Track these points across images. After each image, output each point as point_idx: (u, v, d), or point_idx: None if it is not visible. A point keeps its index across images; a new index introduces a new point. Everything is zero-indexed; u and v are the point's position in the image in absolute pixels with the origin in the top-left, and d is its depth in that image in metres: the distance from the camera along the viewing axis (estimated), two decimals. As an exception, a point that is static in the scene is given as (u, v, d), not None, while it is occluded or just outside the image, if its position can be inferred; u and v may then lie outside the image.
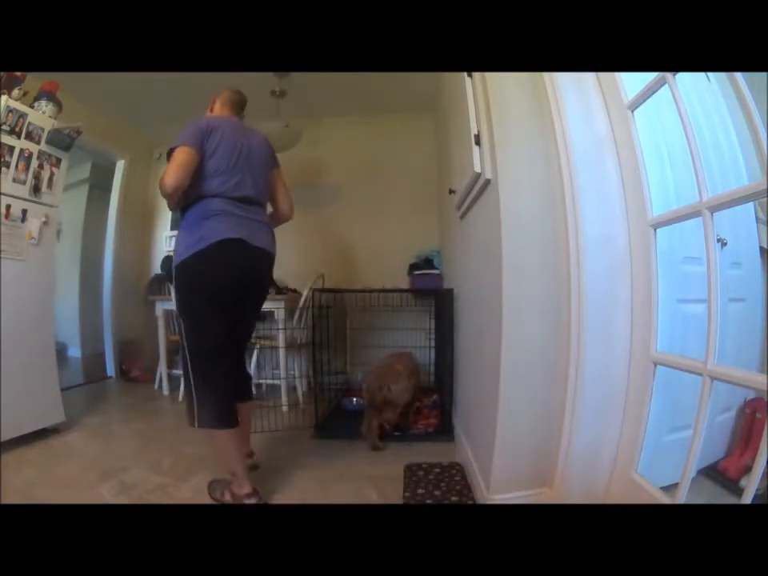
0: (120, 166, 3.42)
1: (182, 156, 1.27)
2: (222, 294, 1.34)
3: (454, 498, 1.40)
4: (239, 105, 1.61)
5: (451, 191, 1.86)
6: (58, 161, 1.98)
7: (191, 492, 1.48)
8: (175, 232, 3.72)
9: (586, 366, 1.14)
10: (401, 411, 2.04)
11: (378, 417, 1.99)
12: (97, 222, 3.72)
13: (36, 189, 1.88)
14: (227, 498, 1.37)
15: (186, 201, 1.36)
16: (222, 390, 1.34)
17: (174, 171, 1.25)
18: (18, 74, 1.83)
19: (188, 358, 1.35)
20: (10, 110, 1.73)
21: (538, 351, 1.20)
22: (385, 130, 3.33)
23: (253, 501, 1.32)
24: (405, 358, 2.33)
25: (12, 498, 1.34)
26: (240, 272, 1.36)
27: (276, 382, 2.62)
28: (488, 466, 1.28)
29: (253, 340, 2.59)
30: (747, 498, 0.78)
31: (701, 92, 1.20)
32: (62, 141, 1.96)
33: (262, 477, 1.59)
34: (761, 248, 1.31)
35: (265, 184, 1.50)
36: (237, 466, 1.35)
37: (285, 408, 2.42)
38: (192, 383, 1.33)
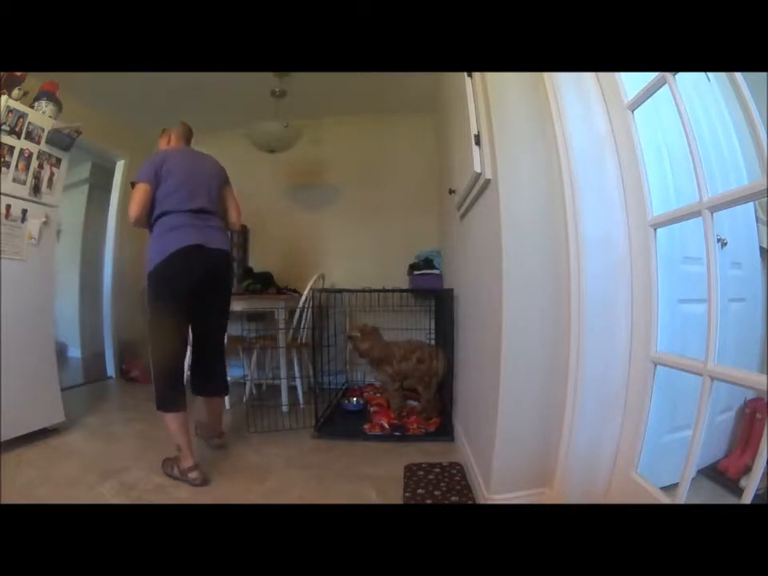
0: (120, 166, 3.41)
1: (139, 193, 1.56)
2: (186, 295, 1.59)
3: (453, 498, 1.40)
4: (188, 136, 1.91)
5: (451, 191, 1.86)
6: (58, 161, 1.98)
7: (191, 492, 1.48)
8: (175, 232, 3.75)
9: (586, 366, 1.14)
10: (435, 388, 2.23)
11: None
12: (97, 222, 3.71)
13: (36, 189, 1.88)
14: (176, 473, 1.57)
15: (150, 220, 1.62)
16: (170, 380, 1.60)
17: (134, 206, 1.56)
18: (18, 73, 1.83)
19: (151, 352, 1.61)
20: (9, 110, 1.73)
21: (537, 351, 1.20)
22: (385, 130, 3.33)
23: (194, 474, 1.53)
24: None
25: (12, 497, 1.34)
26: (202, 272, 1.60)
27: (276, 381, 2.62)
28: (488, 465, 1.28)
29: (253, 340, 2.60)
30: (747, 498, 0.78)
31: (701, 92, 1.20)
32: (62, 141, 1.96)
33: (261, 476, 1.59)
34: (761, 248, 1.31)
35: (217, 197, 1.75)
36: (181, 441, 1.56)
37: (285, 408, 2.42)
38: (152, 374, 1.62)
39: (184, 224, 1.59)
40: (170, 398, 1.58)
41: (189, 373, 1.85)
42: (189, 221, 1.61)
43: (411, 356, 2.25)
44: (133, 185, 1.59)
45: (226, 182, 1.86)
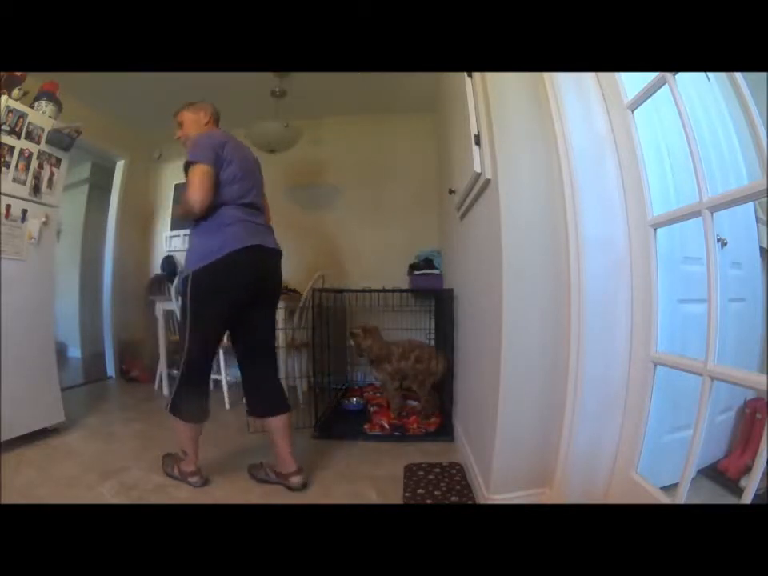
0: (120, 166, 3.41)
1: (204, 176, 1.34)
2: (240, 300, 1.44)
3: (453, 498, 1.40)
4: (218, 119, 1.66)
5: (451, 191, 1.86)
6: (58, 161, 1.98)
7: (191, 492, 1.47)
8: (175, 232, 3.76)
9: (586, 365, 1.14)
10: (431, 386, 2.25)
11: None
12: (97, 222, 3.71)
13: (36, 189, 1.88)
14: (176, 473, 1.53)
15: None
16: (201, 389, 1.49)
17: (199, 191, 1.32)
18: (18, 73, 1.83)
19: (185, 356, 1.44)
20: (10, 110, 1.73)
21: (537, 351, 1.20)
22: (385, 130, 3.33)
23: (195, 479, 1.49)
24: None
25: (12, 497, 1.34)
26: (262, 276, 1.47)
27: (276, 382, 2.61)
28: (488, 465, 1.28)
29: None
30: (747, 498, 0.78)
31: (701, 92, 1.20)
32: (62, 141, 1.96)
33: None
34: (761, 248, 1.31)
35: (262, 192, 1.60)
36: (189, 449, 1.49)
37: (285, 408, 2.41)
38: (179, 378, 1.46)
39: (242, 219, 1.43)
40: (194, 408, 1.45)
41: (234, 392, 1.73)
42: (246, 216, 1.45)
43: (410, 355, 2.25)
44: (189, 165, 1.36)
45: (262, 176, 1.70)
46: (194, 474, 1.51)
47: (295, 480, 1.48)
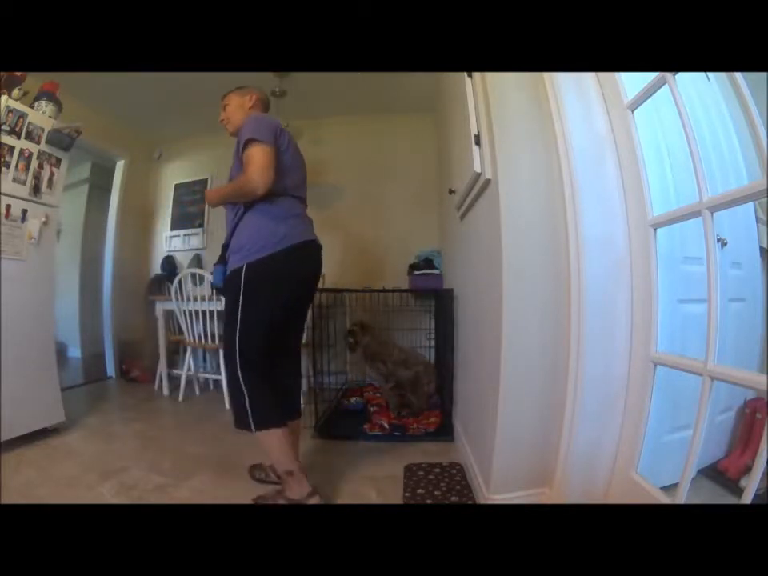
0: (120, 166, 3.42)
1: (265, 155, 1.23)
2: (296, 293, 1.37)
3: (453, 498, 1.40)
4: (267, 106, 1.58)
5: (451, 191, 1.86)
6: (58, 161, 1.98)
7: (191, 492, 1.47)
8: (175, 232, 3.76)
9: (586, 365, 1.14)
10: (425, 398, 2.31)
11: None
12: (97, 222, 3.72)
13: (36, 189, 1.88)
14: (284, 501, 1.32)
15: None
16: (275, 389, 1.33)
17: (264, 171, 1.21)
18: (18, 73, 1.83)
19: (238, 360, 1.28)
20: (10, 110, 1.73)
21: (537, 351, 1.20)
22: (385, 130, 3.33)
23: (315, 500, 1.28)
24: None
25: (12, 497, 1.34)
26: (314, 273, 1.44)
27: (276, 382, 2.61)
28: (488, 465, 1.28)
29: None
30: (747, 498, 0.78)
31: (701, 92, 1.20)
32: (62, 141, 1.96)
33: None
34: (761, 248, 1.32)
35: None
36: (292, 465, 1.29)
37: (285, 408, 2.41)
38: (244, 386, 1.27)
39: (301, 214, 1.37)
40: (272, 412, 1.29)
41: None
42: (302, 211, 1.39)
43: (411, 367, 2.33)
44: (248, 144, 1.24)
45: None
46: (312, 494, 1.29)
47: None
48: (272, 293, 1.29)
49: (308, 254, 1.36)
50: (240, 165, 1.29)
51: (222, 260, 1.39)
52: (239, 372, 1.28)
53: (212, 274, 1.46)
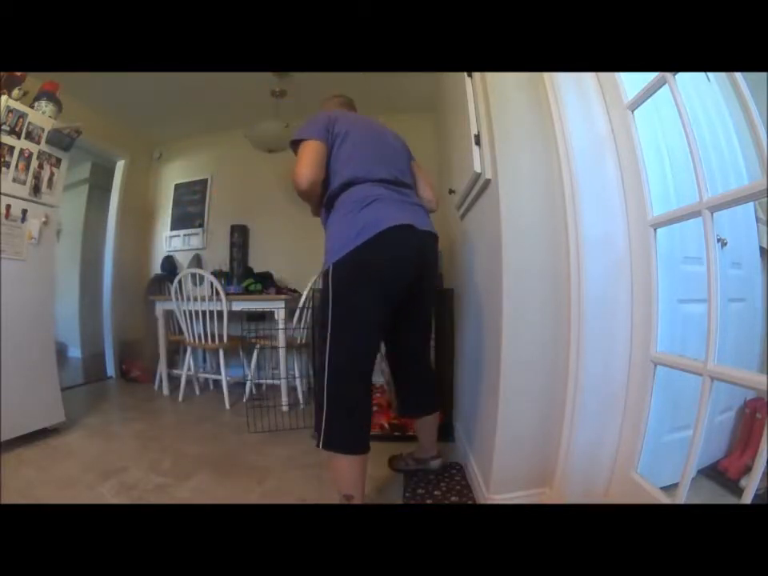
0: (120, 166, 3.42)
1: (311, 150, 1.21)
2: (393, 291, 1.21)
3: (453, 498, 1.40)
4: (350, 105, 1.55)
5: (451, 191, 1.86)
6: (58, 161, 1.98)
7: (191, 492, 1.47)
8: (175, 232, 3.76)
9: (586, 365, 1.14)
10: None
11: None
12: (97, 222, 3.72)
13: (36, 189, 1.88)
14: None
15: (325, 195, 1.28)
16: (358, 411, 1.18)
17: (305, 166, 1.19)
18: (18, 73, 1.83)
19: (326, 370, 1.18)
20: (10, 110, 1.73)
21: (538, 351, 1.20)
22: (385, 130, 3.32)
23: None
24: None
25: (12, 498, 1.34)
26: (417, 261, 1.24)
27: (276, 381, 2.62)
28: (488, 465, 1.28)
29: (253, 340, 2.60)
30: (747, 498, 0.78)
31: (701, 92, 1.20)
32: (62, 141, 1.96)
33: (261, 476, 1.59)
34: (761, 248, 1.31)
35: (407, 169, 1.39)
36: (355, 488, 1.17)
37: (285, 408, 2.42)
38: (325, 399, 1.17)
39: (383, 197, 1.22)
40: (356, 435, 1.17)
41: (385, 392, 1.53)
42: (388, 193, 1.23)
43: None
44: (295, 144, 1.24)
45: (412, 158, 1.47)
46: None
47: (435, 463, 1.54)
48: (362, 292, 1.16)
49: (398, 240, 1.17)
50: None
51: None
52: (325, 387, 1.18)
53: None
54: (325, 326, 1.20)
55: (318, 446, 1.18)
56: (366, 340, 1.20)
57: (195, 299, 2.61)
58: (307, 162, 1.20)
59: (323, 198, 1.30)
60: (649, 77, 1.00)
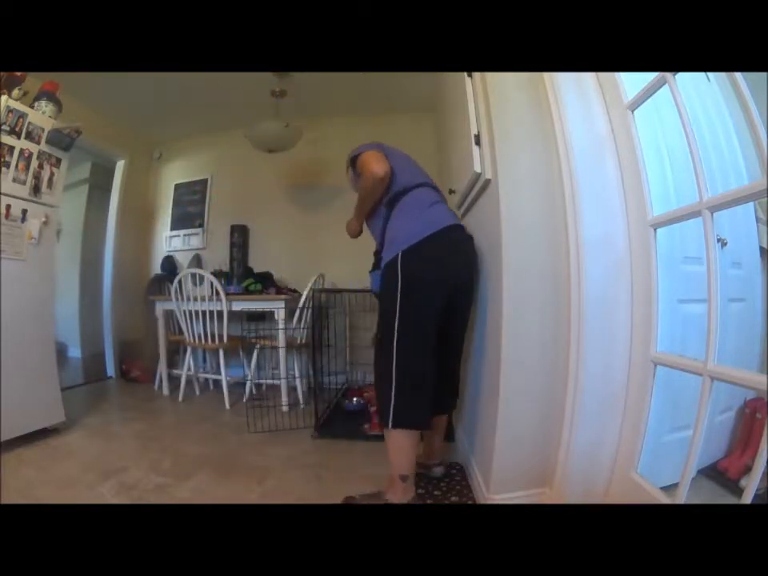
0: (120, 166, 3.42)
1: (375, 153, 1.35)
2: (452, 284, 1.31)
3: (453, 498, 1.40)
4: None
5: (451, 191, 1.86)
6: (58, 161, 1.98)
7: (191, 492, 1.47)
8: (175, 232, 3.77)
9: (586, 365, 1.14)
10: None
11: None
12: (97, 222, 3.72)
13: (36, 189, 1.88)
14: (385, 502, 1.29)
15: (387, 196, 1.38)
16: (425, 390, 1.27)
17: (377, 161, 1.32)
18: (18, 73, 1.83)
19: (395, 353, 1.25)
20: (10, 110, 1.73)
21: (538, 351, 1.20)
22: (385, 130, 3.31)
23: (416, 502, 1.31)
24: None
25: (12, 498, 1.34)
26: (468, 260, 1.39)
27: (276, 381, 2.62)
28: (488, 465, 1.28)
29: (253, 340, 2.60)
30: (747, 498, 0.78)
31: (701, 92, 1.20)
32: (62, 141, 1.96)
33: (261, 476, 1.59)
34: (761, 248, 1.31)
35: None
36: (411, 469, 1.28)
37: (285, 408, 2.42)
38: (394, 381, 1.25)
39: (440, 201, 1.39)
40: (414, 413, 1.25)
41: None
42: (441, 198, 1.41)
43: None
44: (355, 159, 1.39)
45: None
46: (415, 498, 1.31)
47: (438, 469, 1.55)
48: (429, 280, 1.27)
49: (458, 237, 1.35)
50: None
51: (377, 266, 1.41)
52: (393, 369, 1.25)
53: (370, 281, 1.47)
54: (394, 309, 1.26)
55: (387, 426, 1.24)
56: (432, 317, 1.28)
57: (195, 299, 2.61)
58: (378, 158, 1.33)
59: (382, 198, 1.40)
60: (649, 77, 1.00)
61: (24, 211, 1.84)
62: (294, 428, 2.13)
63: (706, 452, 1.03)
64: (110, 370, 3.36)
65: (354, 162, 1.41)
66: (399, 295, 1.26)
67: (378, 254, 1.43)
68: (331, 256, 3.32)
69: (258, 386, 2.92)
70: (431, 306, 1.27)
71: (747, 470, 1.02)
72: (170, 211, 3.67)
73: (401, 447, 1.26)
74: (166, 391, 2.84)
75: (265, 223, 3.45)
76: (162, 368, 2.88)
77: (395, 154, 1.44)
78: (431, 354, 1.28)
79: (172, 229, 3.65)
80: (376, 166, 1.31)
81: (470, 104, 1.37)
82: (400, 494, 1.28)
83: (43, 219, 1.92)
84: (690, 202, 0.94)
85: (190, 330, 2.66)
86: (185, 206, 3.64)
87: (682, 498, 0.91)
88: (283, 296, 2.65)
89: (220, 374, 2.66)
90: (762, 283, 1.32)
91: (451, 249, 1.31)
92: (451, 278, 1.31)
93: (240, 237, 3.42)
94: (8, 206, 1.76)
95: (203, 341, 2.61)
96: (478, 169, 1.33)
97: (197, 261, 3.51)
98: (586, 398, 1.14)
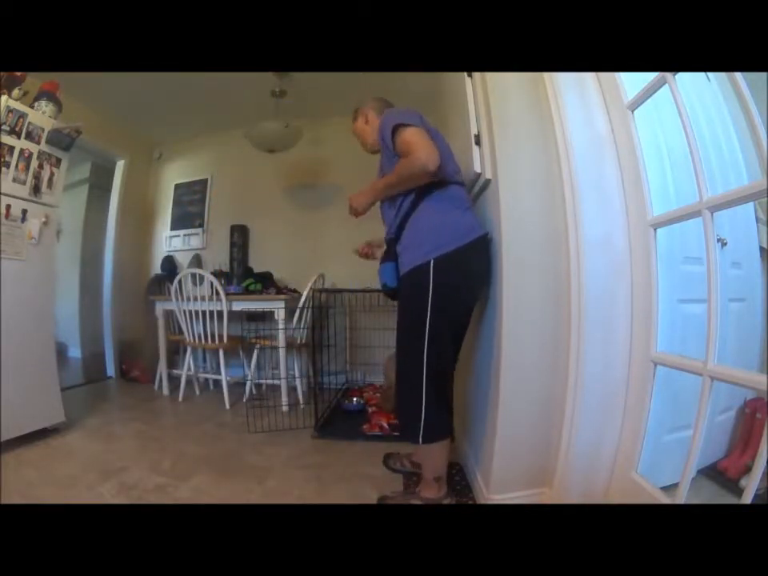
0: (120, 166, 3.42)
1: (424, 135, 1.13)
2: (479, 294, 1.27)
3: (453, 498, 1.39)
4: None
5: (451, 191, 1.85)
6: (58, 161, 1.98)
7: (191, 492, 1.47)
8: (175, 232, 3.76)
9: (586, 365, 1.14)
10: None
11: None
12: (97, 222, 3.72)
13: (36, 189, 1.88)
14: (421, 501, 1.30)
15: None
16: (448, 401, 1.27)
17: (429, 149, 1.09)
18: (18, 73, 1.83)
19: (425, 366, 1.17)
20: (10, 110, 1.73)
21: (537, 351, 1.20)
22: (385, 130, 3.33)
23: (448, 501, 1.31)
24: None
25: (12, 498, 1.34)
26: (490, 273, 1.29)
27: (276, 381, 2.62)
28: (488, 466, 1.28)
29: (253, 340, 2.60)
30: (747, 498, 0.78)
31: (701, 92, 1.20)
32: (62, 141, 1.96)
33: (261, 476, 1.59)
34: (761, 248, 1.31)
35: None
36: (444, 470, 1.31)
37: (285, 408, 2.42)
38: (424, 396, 1.18)
39: (471, 204, 1.27)
40: (443, 425, 1.24)
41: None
42: (472, 203, 1.29)
43: None
44: (398, 128, 1.15)
45: None
46: (447, 495, 1.32)
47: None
48: (462, 293, 1.19)
49: (488, 250, 1.25)
50: (390, 163, 1.20)
51: (391, 256, 1.27)
52: (423, 383, 1.17)
53: (379, 273, 1.29)
54: (422, 323, 1.16)
55: (417, 443, 1.19)
56: (459, 327, 1.26)
57: (195, 299, 2.61)
58: (429, 145, 1.10)
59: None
60: (649, 77, 1.00)
61: (24, 211, 1.84)
62: (293, 428, 2.13)
63: (705, 452, 1.03)
64: (110, 369, 3.36)
65: (393, 131, 1.17)
66: (430, 307, 1.15)
67: (392, 243, 1.29)
68: (331, 256, 3.31)
69: (258, 386, 2.92)
70: (462, 316, 1.26)
71: (747, 470, 1.02)
72: (170, 211, 3.67)
73: (434, 455, 1.26)
74: (166, 391, 2.84)
75: (265, 223, 3.45)
76: (162, 368, 2.87)
77: (438, 137, 1.23)
78: (453, 360, 1.28)
79: (172, 229, 3.65)
80: (428, 154, 1.08)
81: (469, 104, 1.37)
82: (434, 492, 1.29)
83: (43, 219, 1.92)
84: (690, 201, 0.94)
85: (190, 330, 2.66)
86: (185, 206, 3.64)
87: (682, 498, 0.91)
88: (283, 296, 2.65)
89: (220, 373, 2.66)
90: (762, 283, 1.32)
91: (486, 262, 1.24)
92: (481, 290, 1.28)
93: (240, 237, 3.42)
94: (8, 206, 1.76)
95: (203, 341, 2.61)
96: (478, 169, 1.33)
97: (197, 261, 3.51)
98: (586, 398, 1.14)
